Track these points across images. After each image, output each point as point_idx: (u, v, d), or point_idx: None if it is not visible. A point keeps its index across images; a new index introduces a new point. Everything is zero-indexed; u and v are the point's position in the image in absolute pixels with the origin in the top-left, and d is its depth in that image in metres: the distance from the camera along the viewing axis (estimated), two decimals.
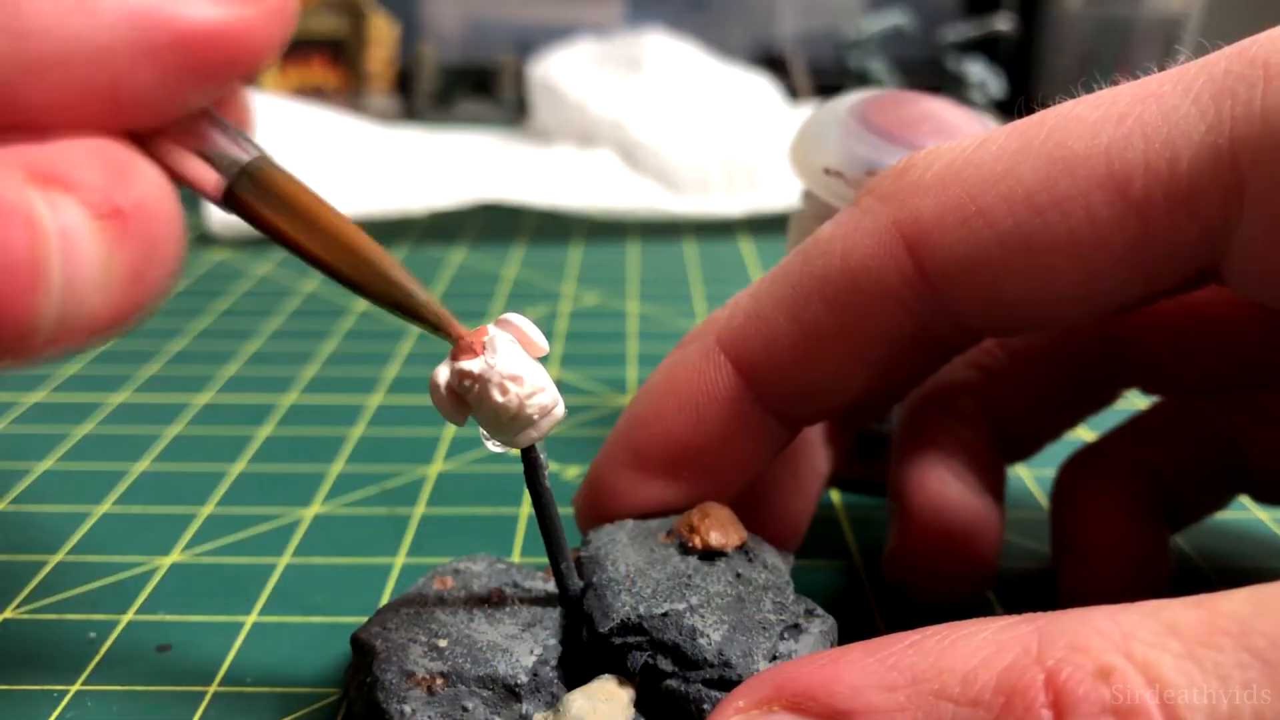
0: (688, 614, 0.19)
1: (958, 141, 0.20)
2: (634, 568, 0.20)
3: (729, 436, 0.21)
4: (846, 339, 0.20)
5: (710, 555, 0.20)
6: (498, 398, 0.18)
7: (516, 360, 0.18)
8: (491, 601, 0.21)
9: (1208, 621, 0.13)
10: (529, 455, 0.20)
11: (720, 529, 0.21)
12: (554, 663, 0.20)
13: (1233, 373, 0.24)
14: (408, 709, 0.19)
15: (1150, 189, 0.17)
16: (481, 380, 0.18)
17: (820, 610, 0.20)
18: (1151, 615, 0.13)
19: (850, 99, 0.29)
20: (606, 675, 0.19)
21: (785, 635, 0.19)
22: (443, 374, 0.19)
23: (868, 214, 0.20)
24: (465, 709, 0.19)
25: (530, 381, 0.18)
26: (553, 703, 0.19)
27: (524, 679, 0.19)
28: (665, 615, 0.19)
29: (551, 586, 0.21)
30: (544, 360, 0.19)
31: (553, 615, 0.21)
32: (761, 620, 0.19)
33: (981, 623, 0.14)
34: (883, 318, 0.20)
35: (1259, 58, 0.17)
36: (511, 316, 0.19)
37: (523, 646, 0.20)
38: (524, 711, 0.19)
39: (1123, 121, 0.18)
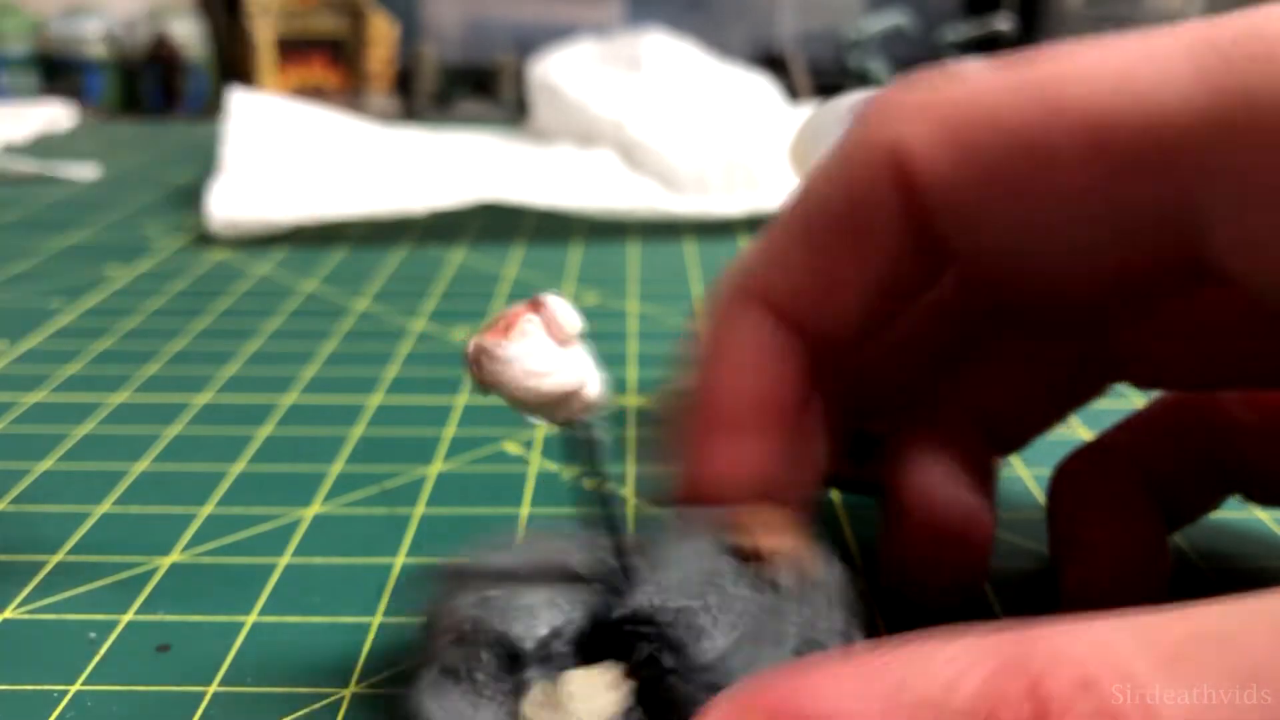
0: (702, 613, 0.19)
1: (952, 74, 0.20)
2: (671, 560, 0.20)
3: (783, 387, 0.22)
4: (857, 263, 0.20)
5: (753, 559, 0.20)
6: (501, 377, 0.18)
7: (524, 343, 0.18)
8: (565, 571, 0.21)
9: (1191, 633, 0.12)
10: (579, 436, 0.20)
11: (770, 533, 0.20)
12: (569, 637, 0.20)
13: (1225, 369, 0.24)
14: (440, 644, 0.20)
15: (1131, 147, 0.17)
16: (480, 357, 0.18)
17: (860, 635, 0.20)
18: (1132, 625, 0.13)
19: (850, 99, 0.29)
20: (611, 661, 0.19)
21: (801, 652, 0.19)
22: (471, 347, 0.19)
23: (860, 139, 0.20)
24: (480, 660, 0.19)
25: (536, 365, 0.18)
26: (555, 676, 0.19)
27: (529, 646, 0.19)
28: (679, 611, 0.19)
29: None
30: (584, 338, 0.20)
31: (596, 593, 0.21)
32: (778, 633, 0.19)
33: (960, 630, 0.14)
34: (886, 237, 0.20)
35: (1262, 31, 0.17)
36: (546, 297, 0.19)
37: (548, 615, 0.20)
38: (526, 678, 0.19)
39: (1117, 77, 0.18)
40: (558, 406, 0.19)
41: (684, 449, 0.23)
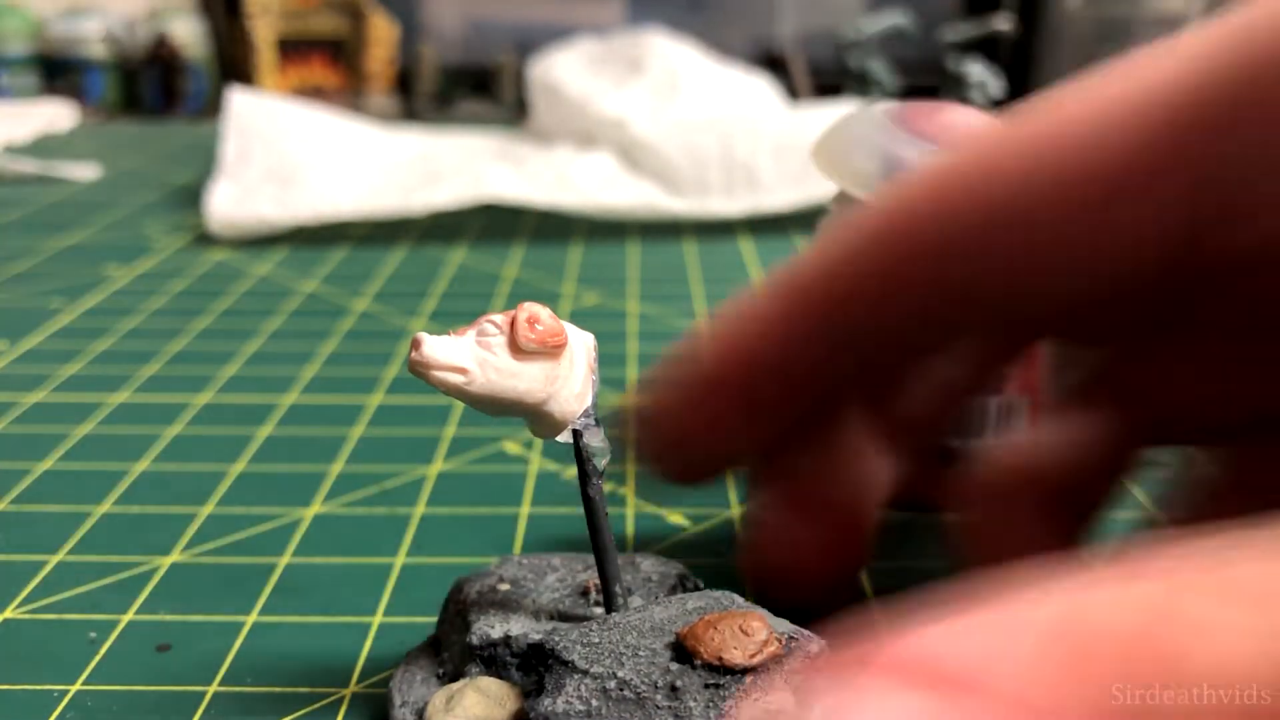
0: (582, 679, 0.17)
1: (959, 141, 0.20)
2: (635, 614, 0.19)
3: (796, 386, 0.21)
4: (888, 290, 0.20)
5: (701, 665, 0.17)
6: (418, 368, 0.18)
7: (451, 342, 0.18)
8: (585, 587, 0.21)
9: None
10: (576, 450, 0.20)
11: (733, 649, 0.18)
12: (519, 648, 0.19)
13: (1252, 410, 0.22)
14: (446, 627, 0.21)
15: (1131, 144, 0.18)
16: (412, 347, 0.18)
17: None
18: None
19: (880, 106, 0.29)
20: (520, 678, 0.19)
21: None
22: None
23: (883, 201, 0.20)
24: (452, 644, 0.20)
25: (455, 363, 0.18)
26: (480, 674, 0.19)
27: (474, 642, 0.19)
28: (569, 664, 0.18)
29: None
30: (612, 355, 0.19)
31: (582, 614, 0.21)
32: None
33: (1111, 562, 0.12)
34: (918, 268, 0.20)
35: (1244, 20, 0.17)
36: (524, 305, 0.19)
37: (518, 623, 0.20)
38: (468, 671, 0.19)
39: (1107, 89, 0.18)
40: (501, 411, 0.19)
41: (666, 391, 0.22)
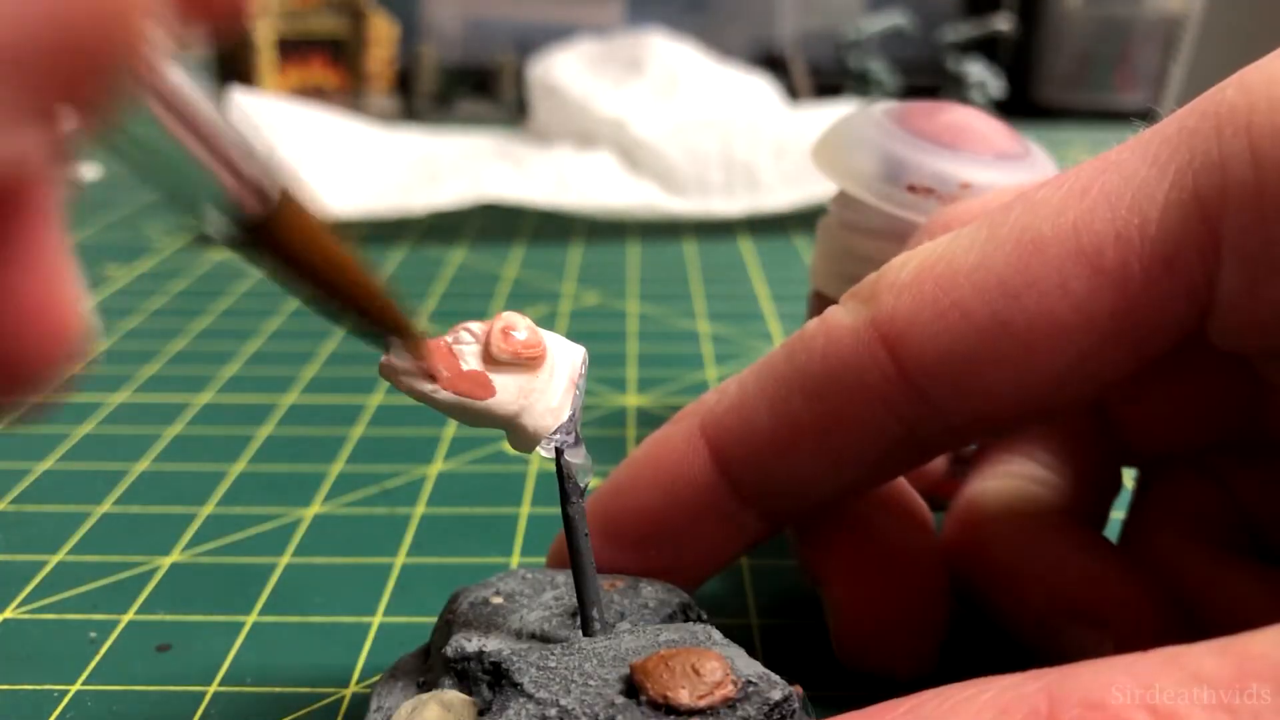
0: (528, 702, 0.17)
1: (933, 241, 0.20)
2: (603, 641, 0.19)
3: (698, 521, 0.21)
4: (825, 436, 0.20)
5: (647, 701, 0.17)
6: (387, 374, 0.18)
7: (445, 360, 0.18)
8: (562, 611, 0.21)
9: (1237, 665, 0.12)
10: (557, 467, 0.19)
11: (679, 687, 0.17)
12: (488, 663, 0.19)
13: (1217, 435, 0.23)
14: (437, 637, 0.20)
15: (1124, 257, 0.17)
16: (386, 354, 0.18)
17: None
18: (1171, 662, 0.12)
19: (880, 106, 0.29)
20: (489, 694, 0.19)
21: None
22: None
23: (849, 313, 0.20)
24: (430, 657, 0.20)
25: (451, 392, 0.18)
26: (452, 687, 0.19)
27: (449, 655, 0.19)
28: (519, 685, 0.18)
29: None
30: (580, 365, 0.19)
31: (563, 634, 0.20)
32: None
33: (984, 683, 0.13)
34: (862, 416, 0.20)
35: (1209, 111, 0.17)
36: (501, 315, 0.18)
37: (496, 639, 0.19)
38: (441, 683, 0.19)
39: (1086, 195, 0.18)
40: (472, 421, 0.18)
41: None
